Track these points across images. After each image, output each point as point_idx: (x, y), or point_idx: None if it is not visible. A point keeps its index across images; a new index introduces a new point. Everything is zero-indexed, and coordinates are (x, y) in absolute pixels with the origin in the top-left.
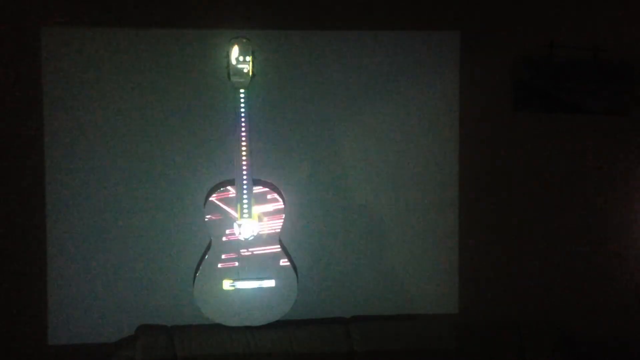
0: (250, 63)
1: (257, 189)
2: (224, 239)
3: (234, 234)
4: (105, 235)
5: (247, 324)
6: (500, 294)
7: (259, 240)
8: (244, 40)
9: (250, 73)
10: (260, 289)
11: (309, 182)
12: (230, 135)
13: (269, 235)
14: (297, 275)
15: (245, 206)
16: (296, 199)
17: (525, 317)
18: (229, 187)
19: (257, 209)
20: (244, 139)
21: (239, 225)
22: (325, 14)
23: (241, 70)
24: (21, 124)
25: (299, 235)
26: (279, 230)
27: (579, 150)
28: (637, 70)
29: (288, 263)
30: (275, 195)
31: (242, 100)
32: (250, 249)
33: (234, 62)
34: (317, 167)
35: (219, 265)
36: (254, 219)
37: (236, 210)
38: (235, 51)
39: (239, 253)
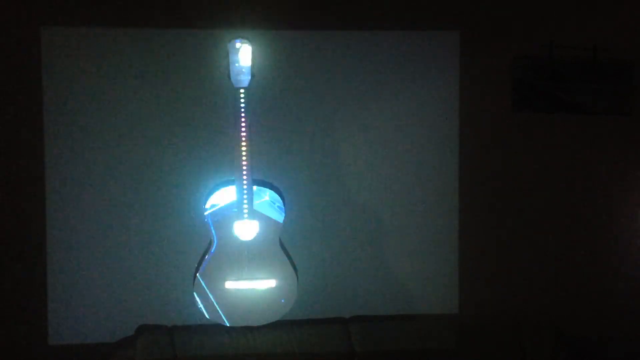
0: (250, 63)
1: (257, 189)
2: (224, 239)
3: (234, 234)
4: (105, 235)
5: (247, 324)
6: (500, 294)
7: (259, 240)
8: (244, 40)
9: (250, 73)
10: (260, 289)
11: (309, 182)
12: (230, 132)
13: (268, 235)
14: (297, 275)
15: (245, 206)
16: (296, 199)
17: (525, 317)
18: (229, 187)
19: (257, 209)
20: (244, 139)
21: (239, 225)
22: (325, 14)
23: (241, 70)
24: (21, 124)
25: (299, 235)
26: (279, 230)
27: (579, 150)
28: (637, 70)
29: (288, 263)
30: (275, 195)
31: (242, 100)
32: (250, 249)
33: (233, 62)
34: (317, 167)
35: (219, 266)
36: (254, 219)
37: (236, 210)
38: (235, 51)
39: (239, 253)
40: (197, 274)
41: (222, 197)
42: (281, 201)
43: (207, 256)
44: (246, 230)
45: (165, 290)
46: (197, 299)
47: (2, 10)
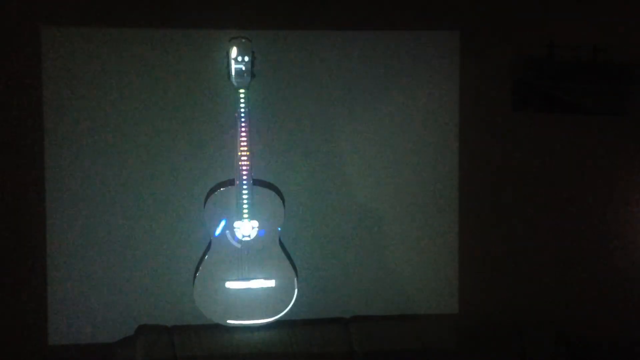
0: (250, 63)
1: (257, 189)
2: (223, 239)
3: (234, 234)
4: (105, 235)
5: (247, 324)
6: (500, 294)
7: (259, 240)
8: (244, 40)
9: (250, 73)
10: (260, 289)
11: (309, 182)
12: (230, 132)
13: (268, 235)
14: (297, 275)
15: (245, 206)
16: (296, 199)
17: (525, 317)
18: (228, 187)
19: (257, 209)
20: (244, 139)
21: (239, 226)
22: (325, 14)
23: (241, 70)
24: (21, 124)
25: (299, 235)
26: (278, 230)
27: (579, 150)
28: (637, 70)
29: (288, 263)
30: (275, 195)
31: (242, 100)
32: (250, 249)
33: (234, 62)
34: (317, 167)
35: (219, 266)
36: (254, 219)
37: (236, 211)
38: (235, 51)
39: (238, 253)
40: (197, 274)
41: (222, 197)
42: (281, 201)
43: (206, 256)
44: (246, 230)
45: (165, 290)
46: (197, 298)
47: (2, 10)
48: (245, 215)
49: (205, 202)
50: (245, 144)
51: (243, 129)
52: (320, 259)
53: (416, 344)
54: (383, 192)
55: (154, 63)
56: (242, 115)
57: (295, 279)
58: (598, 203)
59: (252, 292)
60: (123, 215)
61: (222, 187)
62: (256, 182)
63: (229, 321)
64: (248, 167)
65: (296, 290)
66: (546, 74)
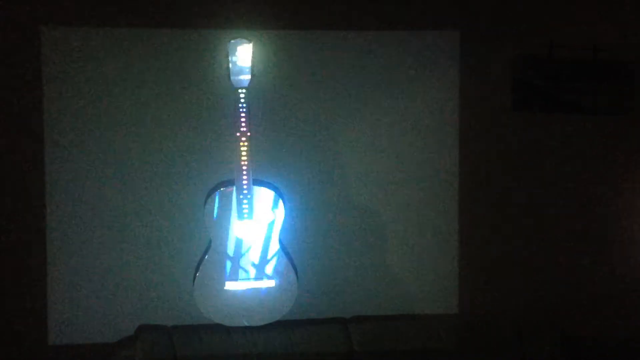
0: (250, 63)
1: (257, 189)
2: (224, 239)
3: (233, 234)
4: (105, 235)
5: (247, 324)
6: (500, 294)
7: (259, 240)
8: (244, 40)
9: (250, 73)
10: (260, 289)
11: (309, 182)
12: (230, 132)
13: (268, 235)
14: (297, 275)
15: (245, 206)
16: (296, 199)
17: (525, 317)
18: (229, 187)
19: (257, 209)
20: (244, 139)
21: (239, 225)
22: (325, 14)
23: (241, 70)
24: (21, 124)
25: (299, 235)
26: (278, 230)
27: (579, 150)
28: (637, 70)
29: (288, 263)
30: (275, 195)
31: (242, 100)
32: (250, 249)
33: (233, 62)
34: (317, 167)
35: (219, 266)
36: (254, 219)
37: (236, 211)
38: (235, 51)
39: (239, 253)
40: (197, 274)
41: (222, 197)
42: (281, 201)
43: (206, 256)
44: (246, 230)
45: (165, 290)
46: (197, 299)
47: (2, 10)
48: (246, 215)
49: (205, 202)
50: (245, 144)
51: (243, 129)
52: (320, 259)
53: (416, 344)
54: (383, 191)
55: (154, 63)
56: (242, 115)
57: (295, 279)
58: (598, 203)
59: (252, 292)
60: (123, 216)
61: (222, 187)
62: (256, 182)
63: (229, 321)
64: (248, 167)
65: (296, 290)
66: (546, 74)
